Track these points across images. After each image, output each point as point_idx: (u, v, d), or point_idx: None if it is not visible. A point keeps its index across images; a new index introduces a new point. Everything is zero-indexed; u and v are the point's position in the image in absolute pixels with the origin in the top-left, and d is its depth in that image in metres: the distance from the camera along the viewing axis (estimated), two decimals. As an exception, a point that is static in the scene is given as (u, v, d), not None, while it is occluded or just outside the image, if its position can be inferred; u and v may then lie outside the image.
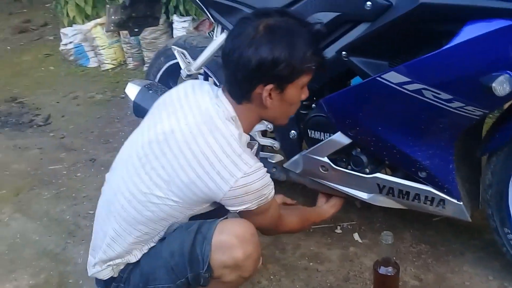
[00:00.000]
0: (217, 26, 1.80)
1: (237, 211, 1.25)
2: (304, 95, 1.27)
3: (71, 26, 4.33)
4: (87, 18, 4.33)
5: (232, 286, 1.30)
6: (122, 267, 1.32)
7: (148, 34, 3.78)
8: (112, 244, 1.28)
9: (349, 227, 1.86)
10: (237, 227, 1.23)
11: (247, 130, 1.28)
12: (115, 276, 1.33)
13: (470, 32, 1.17)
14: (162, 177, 1.21)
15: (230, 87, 1.23)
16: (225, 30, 1.75)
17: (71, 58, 4.27)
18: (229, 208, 1.24)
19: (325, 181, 1.66)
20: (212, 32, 2.57)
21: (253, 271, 1.27)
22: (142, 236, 1.27)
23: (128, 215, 1.25)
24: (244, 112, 1.24)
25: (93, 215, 2.05)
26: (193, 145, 1.18)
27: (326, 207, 1.65)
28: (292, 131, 1.69)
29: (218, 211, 1.29)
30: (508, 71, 1.15)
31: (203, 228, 1.23)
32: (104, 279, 1.33)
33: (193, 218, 1.29)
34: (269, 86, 1.17)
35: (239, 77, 1.18)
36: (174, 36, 3.57)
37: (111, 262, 1.30)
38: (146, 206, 1.23)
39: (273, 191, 1.27)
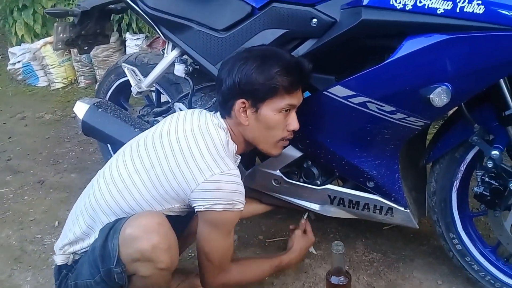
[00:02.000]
0: (168, 43, 1.80)
1: (202, 210, 1.25)
2: (292, 125, 1.33)
3: (20, 45, 4.22)
4: (36, 36, 4.24)
5: (156, 281, 1.25)
6: (77, 257, 1.33)
7: (100, 52, 3.73)
8: (74, 226, 1.34)
9: (304, 239, 1.87)
10: (143, 218, 1.23)
11: (238, 147, 1.36)
12: (69, 264, 1.35)
13: (409, 46, 1.21)
14: (145, 165, 1.29)
15: (217, 105, 1.37)
16: (175, 47, 1.75)
17: (20, 77, 4.15)
18: (196, 206, 1.26)
19: (278, 194, 1.68)
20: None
21: (170, 262, 1.22)
22: (95, 225, 1.30)
23: (101, 198, 1.30)
24: (230, 127, 1.35)
25: (41, 239, 2.01)
26: (182, 141, 1.28)
27: (291, 250, 1.56)
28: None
29: (186, 218, 1.33)
30: (445, 83, 1.20)
31: (117, 223, 1.24)
32: (58, 264, 1.37)
33: None
34: (240, 100, 1.28)
35: (220, 95, 1.33)
36: (127, 54, 3.54)
37: (70, 249, 1.34)
38: (121, 193, 1.29)
39: (242, 207, 1.29)
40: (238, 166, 1.44)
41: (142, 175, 1.28)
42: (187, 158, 1.25)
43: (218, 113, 1.38)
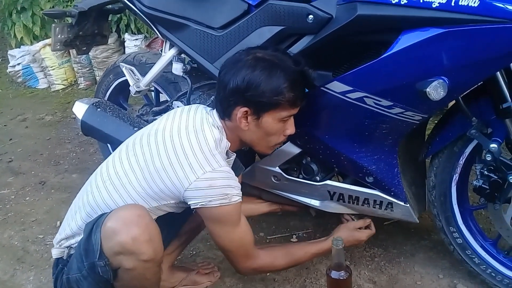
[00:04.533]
0: (166, 42, 1.80)
1: (198, 207, 1.26)
2: (289, 130, 1.35)
3: (19, 47, 4.22)
4: (36, 39, 4.25)
5: (142, 274, 1.25)
6: (72, 252, 1.35)
7: (99, 53, 3.74)
8: (71, 221, 1.35)
9: (304, 235, 1.88)
10: (123, 211, 1.24)
11: (231, 145, 1.36)
12: (64, 258, 1.37)
13: (405, 41, 1.21)
14: (139, 163, 1.30)
15: (215, 104, 1.36)
16: (173, 46, 1.75)
17: (20, 79, 4.16)
18: (191, 203, 1.27)
19: (278, 191, 1.68)
20: (163, 49, 2.57)
21: (154, 253, 1.22)
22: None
23: (98, 195, 1.32)
24: (227, 127, 1.35)
25: (43, 239, 2.01)
26: (175, 138, 1.28)
27: (331, 236, 1.50)
28: (244, 143, 1.70)
29: (183, 215, 1.33)
30: (442, 77, 1.20)
31: (100, 218, 1.25)
32: (54, 257, 1.41)
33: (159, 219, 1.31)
34: (243, 109, 1.27)
35: (220, 96, 1.32)
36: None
37: (66, 243, 1.37)
38: (117, 190, 1.30)
39: (239, 199, 1.29)
40: (235, 162, 1.45)
41: (137, 172, 1.30)
42: (179, 156, 1.26)
43: (215, 110, 1.37)
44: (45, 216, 2.19)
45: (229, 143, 1.36)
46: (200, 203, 1.25)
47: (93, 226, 1.25)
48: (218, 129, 1.33)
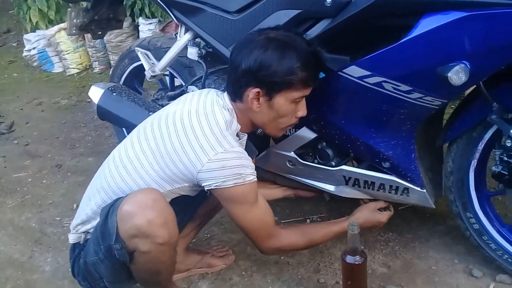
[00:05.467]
0: (181, 26, 1.79)
1: (212, 188, 1.26)
2: (301, 112, 1.34)
3: (34, 31, 4.25)
4: (51, 23, 4.26)
5: (157, 257, 1.27)
6: (89, 236, 1.37)
7: (114, 37, 3.74)
8: (86, 206, 1.38)
9: (318, 219, 1.89)
10: (139, 195, 1.25)
11: (242, 127, 1.36)
12: (81, 243, 1.40)
13: (426, 24, 1.19)
14: (151, 147, 1.31)
15: (227, 86, 1.35)
16: (188, 30, 1.74)
17: (35, 64, 4.19)
18: (205, 185, 1.27)
19: (292, 176, 1.68)
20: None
21: (168, 236, 1.24)
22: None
23: (112, 180, 1.33)
24: (238, 110, 1.34)
25: (60, 221, 2.05)
26: (186, 121, 1.29)
27: (352, 215, 1.50)
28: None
29: (198, 198, 1.35)
30: (463, 61, 1.17)
31: (117, 201, 1.27)
32: (71, 242, 1.43)
33: (174, 202, 1.32)
34: (255, 90, 1.26)
35: (232, 77, 1.31)
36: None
37: (82, 228, 1.39)
38: (130, 174, 1.31)
39: (253, 178, 1.29)
40: (248, 146, 1.45)
41: (149, 156, 1.30)
42: (190, 139, 1.26)
43: (226, 93, 1.37)
44: (61, 199, 2.22)
45: (239, 126, 1.36)
46: (214, 184, 1.26)
47: (110, 210, 1.26)
48: (229, 111, 1.33)
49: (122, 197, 1.28)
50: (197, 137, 1.26)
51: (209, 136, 1.26)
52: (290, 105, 1.30)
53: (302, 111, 1.35)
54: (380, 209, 1.54)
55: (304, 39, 1.30)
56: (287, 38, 1.27)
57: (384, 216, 1.53)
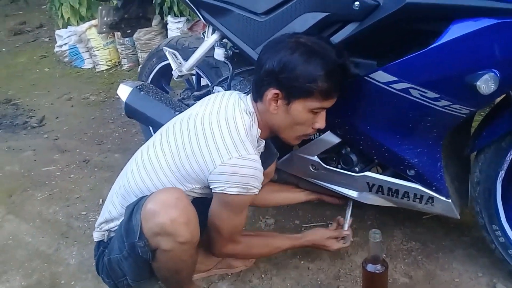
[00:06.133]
0: (208, 26, 1.81)
1: (218, 192, 1.28)
2: (319, 124, 1.33)
3: (66, 27, 4.34)
4: (82, 19, 4.35)
5: (178, 256, 1.29)
6: (112, 235, 1.41)
7: (142, 35, 3.79)
8: (110, 205, 1.42)
9: (340, 225, 1.87)
10: (162, 193, 1.28)
11: (262, 132, 1.37)
12: (105, 240, 1.44)
13: (456, 31, 1.17)
14: (171, 148, 1.33)
15: (252, 86, 1.36)
16: (216, 31, 1.75)
17: (66, 59, 4.28)
18: (213, 187, 1.29)
19: (315, 180, 1.67)
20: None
21: (190, 235, 1.25)
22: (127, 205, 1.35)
23: (133, 180, 1.36)
24: (258, 112, 1.35)
25: (86, 216, 2.09)
26: (206, 124, 1.30)
27: (304, 234, 1.60)
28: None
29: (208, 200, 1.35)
30: (493, 70, 1.15)
31: (141, 200, 1.29)
32: (96, 240, 1.47)
33: (196, 203, 1.33)
34: (275, 91, 1.26)
35: (256, 77, 1.32)
36: (168, 37, 3.58)
37: (106, 226, 1.43)
38: (149, 174, 1.35)
39: (256, 191, 1.30)
40: (269, 148, 1.45)
41: (168, 158, 1.33)
42: (208, 140, 1.27)
43: (249, 96, 1.37)
44: (88, 194, 2.27)
45: (260, 130, 1.36)
46: (219, 188, 1.27)
47: (134, 208, 1.29)
48: (250, 115, 1.33)
49: (146, 195, 1.31)
50: (215, 139, 1.27)
51: (226, 139, 1.27)
52: (308, 114, 1.29)
53: (320, 123, 1.33)
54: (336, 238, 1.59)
55: (336, 49, 1.27)
56: (316, 46, 1.25)
57: (335, 246, 1.58)
